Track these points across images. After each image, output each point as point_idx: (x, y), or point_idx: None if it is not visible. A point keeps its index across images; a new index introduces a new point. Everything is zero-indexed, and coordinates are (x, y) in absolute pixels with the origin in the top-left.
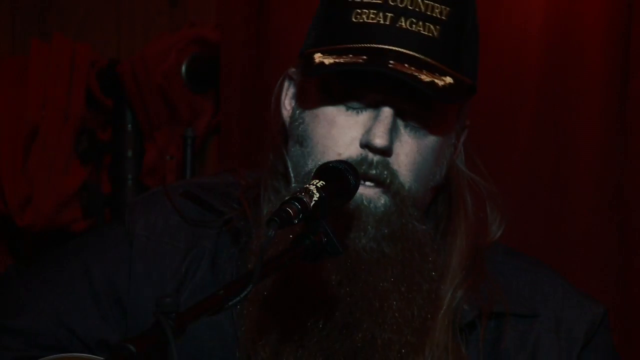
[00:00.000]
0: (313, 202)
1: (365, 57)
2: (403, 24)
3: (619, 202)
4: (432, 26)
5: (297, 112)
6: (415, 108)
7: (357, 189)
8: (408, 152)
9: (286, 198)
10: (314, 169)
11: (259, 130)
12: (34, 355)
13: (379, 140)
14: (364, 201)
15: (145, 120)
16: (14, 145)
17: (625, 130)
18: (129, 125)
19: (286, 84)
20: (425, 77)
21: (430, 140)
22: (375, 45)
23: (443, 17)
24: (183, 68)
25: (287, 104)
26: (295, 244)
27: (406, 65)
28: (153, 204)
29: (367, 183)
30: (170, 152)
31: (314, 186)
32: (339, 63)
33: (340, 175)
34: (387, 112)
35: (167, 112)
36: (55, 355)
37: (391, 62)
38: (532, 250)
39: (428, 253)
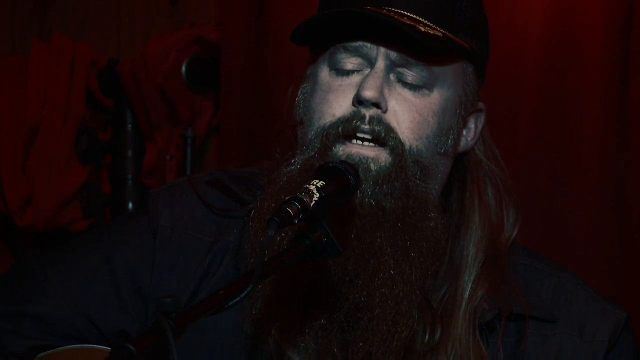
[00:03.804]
0: (313, 202)
1: (344, 8)
2: None
3: (619, 202)
4: None
5: (301, 97)
6: (409, 62)
7: (358, 188)
8: (405, 108)
9: (286, 198)
10: (317, 135)
11: (259, 130)
12: (50, 345)
13: (368, 92)
14: (362, 160)
15: (145, 120)
16: (14, 145)
17: (625, 130)
18: (129, 125)
19: (302, 85)
20: (406, 20)
21: (430, 100)
22: (365, 7)
23: None
24: (183, 68)
25: (302, 103)
26: (295, 244)
27: (385, 9)
28: (179, 194)
29: (365, 143)
30: (170, 152)
31: (314, 186)
32: (317, 16)
33: (341, 175)
34: (378, 66)
35: (167, 112)
36: (71, 346)
37: (368, 7)
38: (533, 249)
39: (430, 210)
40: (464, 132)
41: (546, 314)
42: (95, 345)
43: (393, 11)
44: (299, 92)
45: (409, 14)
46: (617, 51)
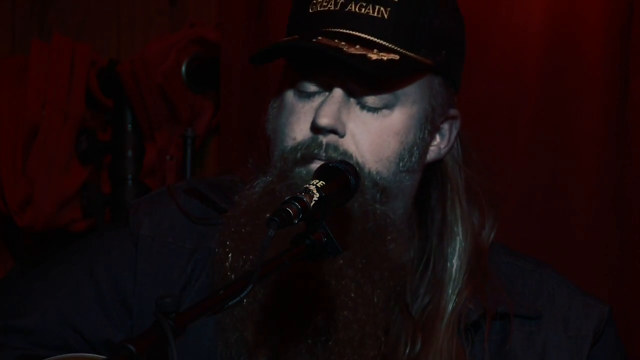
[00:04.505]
0: (313, 202)
1: (297, 35)
2: (352, 8)
3: (619, 203)
4: (382, 8)
5: (270, 113)
6: (367, 87)
7: (358, 189)
8: (364, 131)
9: (286, 198)
10: (278, 159)
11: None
12: (39, 355)
13: (323, 120)
14: None
15: (145, 120)
16: (14, 145)
17: (625, 130)
18: (129, 125)
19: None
20: (353, 51)
21: (391, 120)
22: (319, 30)
23: (395, 0)
24: (183, 68)
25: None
26: (295, 244)
27: (335, 40)
28: (157, 204)
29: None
30: (170, 152)
31: (314, 186)
32: (270, 45)
33: (341, 175)
34: (336, 92)
35: (167, 112)
36: (61, 355)
37: (319, 37)
38: (532, 250)
39: (390, 231)
40: (438, 141)
41: (530, 311)
42: (86, 354)
43: (347, 35)
44: (269, 107)
45: (364, 35)
46: (617, 51)
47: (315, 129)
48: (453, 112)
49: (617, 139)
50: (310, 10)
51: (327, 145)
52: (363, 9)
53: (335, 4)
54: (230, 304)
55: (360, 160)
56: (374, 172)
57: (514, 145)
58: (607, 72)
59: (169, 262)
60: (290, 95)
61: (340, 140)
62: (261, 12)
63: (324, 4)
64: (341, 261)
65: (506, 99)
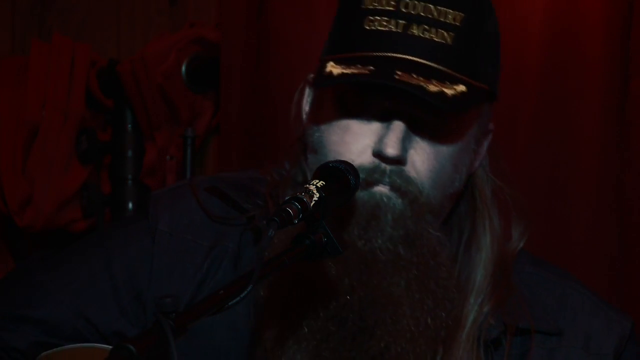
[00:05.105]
0: (313, 202)
1: (372, 67)
2: (415, 31)
3: (619, 202)
4: (445, 33)
5: (313, 119)
6: (428, 116)
7: (357, 188)
8: (424, 159)
9: (286, 198)
10: (359, 182)
11: (259, 130)
12: (52, 343)
13: (391, 150)
14: (384, 198)
15: (145, 120)
16: (14, 145)
17: (625, 130)
18: (129, 125)
19: (307, 90)
20: (433, 88)
21: (448, 146)
22: (385, 54)
23: (457, 23)
24: (183, 68)
25: (307, 109)
26: (295, 244)
27: (414, 75)
28: (178, 199)
29: (383, 185)
30: (170, 152)
31: (314, 186)
32: (346, 74)
33: (341, 175)
34: (398, 121)
35: (167, 112)
36: (72, 345)
37: (398, 72)
38: (532, 251)
39: (443, 262)
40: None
41: (552, 327)
42: (97, 344)
43: (416, 64)
44: (308, 105)
45: (432, 64)
46: (617, 51)
47: (380, 156)
48: (491, 126)
49: (617, 139)
50: (367, 27)
51: (391, 171)
52: (426, 33)
53: (397, 25)
54: (230, 304)
55: (420, 186)
56: (432, 198)
57: (514, 145)
58: (607, 72)
59: (185, 258)
60: (344, 112)
61: (403, 168)
62: (261, 12)
63: (384, 22)
64: (397, 287)
65: (506, 99)
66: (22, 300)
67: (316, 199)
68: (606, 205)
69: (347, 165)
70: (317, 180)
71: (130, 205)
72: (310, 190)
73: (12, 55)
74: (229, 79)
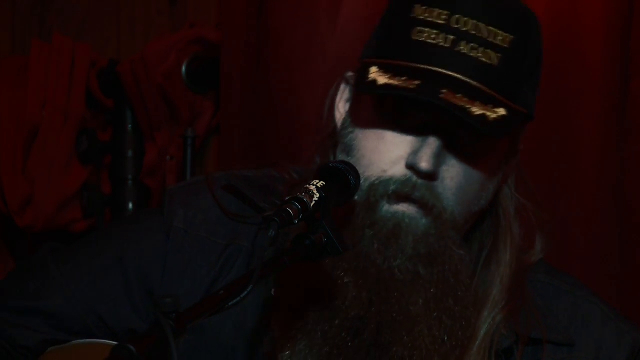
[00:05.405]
0: (313, 202)
1: (419, 81)
2: (463, 48)
3: (619, 202)
4: (492, 53)
5: (348, 120)
6: (465, 134)
7: (357, 188)
8: (454, 176)
9: (286, 198)
10: (365, 187)
11: (259, 130)
12: (60, 339)
13: (425, 164)
14: (405, 219)
15: (145, 120)
16: (14, 145)
17: (625, 130)
18: (129, 125)
19: (342, 86)
20: (476, 110)
21: (479, 166)
22: (431, 68)
23: (505, 45)
24: (183, 68)
25: (341, 107)
26: (295, 244)
27: (458, 95)
28: (194, 195)
29: (410, 203)
30: (170, 152)
31: (314, 186)
32: (391, 85)
33: (341, 175)
34: (434, 137)
35: (167, 112)
36: (81, 340)
37: (443, 90)
38: None
39: (463, 280)
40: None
41: (563, 337)
42: (104, 340)
43: (460, 82)
44: (342, 102)
45: (476, 83)
46: (617, 51)
47: (414, 169)
48: (521, 145)
49: (617, 139)
50: (414, 37)
51: (422, 185)
52: (474, 52)
53: (445, 40)
54: (230, 304)
55: (445, 203)
56: (456, 215)
57: None
58: (607, 72)
59: (199, 256)
60: (380, 118)
61: (433, 183)
62: (261, 12)
63: (432, 35)
64: (417, 307)
65: None
66: (32, 293)
67: (316, 199)
68: (606, 205)
69: (347, 166)
70: (317, 180)
71: (130, 205)
72: (310, 190)
73: (12, 55)
74: (229, 79)
